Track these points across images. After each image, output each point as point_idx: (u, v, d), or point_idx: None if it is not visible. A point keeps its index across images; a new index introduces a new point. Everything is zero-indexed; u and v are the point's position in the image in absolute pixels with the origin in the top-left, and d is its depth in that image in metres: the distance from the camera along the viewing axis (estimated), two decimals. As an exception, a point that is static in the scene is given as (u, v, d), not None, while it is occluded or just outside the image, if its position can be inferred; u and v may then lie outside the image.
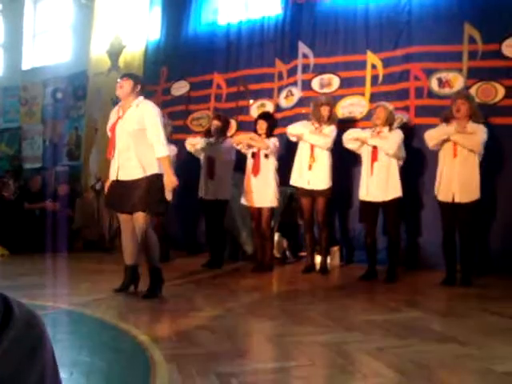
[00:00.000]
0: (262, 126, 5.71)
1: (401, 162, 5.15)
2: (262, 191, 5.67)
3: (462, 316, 3.56)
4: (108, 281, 4.73)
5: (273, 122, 5.84)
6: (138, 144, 4.15)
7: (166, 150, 4.17)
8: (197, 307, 3.90)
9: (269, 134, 5.71)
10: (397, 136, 5.08)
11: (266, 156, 5.65)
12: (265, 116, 5.89)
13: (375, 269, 5.16)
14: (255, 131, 5.77)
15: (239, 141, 5.86)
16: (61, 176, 9.19)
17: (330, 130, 5.46)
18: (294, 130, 5.61)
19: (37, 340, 0.63)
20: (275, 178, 5.70)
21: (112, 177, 4.27)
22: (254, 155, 5.72)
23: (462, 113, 4.76)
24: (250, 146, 5.74)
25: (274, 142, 5.67)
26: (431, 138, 4.91)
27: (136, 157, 4.13)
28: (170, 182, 4.18)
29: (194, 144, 6.13)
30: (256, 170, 5.69)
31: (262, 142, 5.63)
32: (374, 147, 5.11)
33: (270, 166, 5.68)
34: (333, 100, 5.83)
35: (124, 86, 4.22)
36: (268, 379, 2.33)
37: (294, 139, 5.66)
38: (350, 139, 5.26)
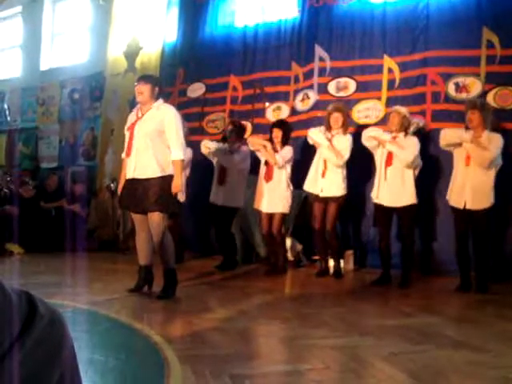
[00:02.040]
0: (278, 134, 5.70)
1: (416, 172, 5.11)
2: (273, 197, 5.67)
3: (478, 322, 3.52)
4: (122, 281, 4.76)
5: (288, 130, 5.82)
6: (156, 145, 4.19)
7: (181, 154, 4.22)
8: (210, 308, 3.91)
9: (284, 142, 5.70)
10: (413, 146, 5.02)
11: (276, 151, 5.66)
12: (280, 124, 5.87)
13: (389, 273, 5.13)
14: (271, 139, 5.76)
15: (253, 143, 5.85)
16: (76, 176, 9.26)
17: (346, 147, 5.40)
18: (315, 137, 5.57)
19: (60, 339, 0.64)
20: (288, 185, 5.69)
21: (128, 175, 4.29)
22: (266, 162, 5.72)
23: (474, 123, 4.72)
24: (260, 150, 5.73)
25: (284, 155, 5.62)
26: (445, 137, 4.88)
27: (153, 156, 4.18)
28: (176, 185, 4.17)
29: (209, 147, 6.13)
30: (268, 177, 5.69)
31: (273, 157, 5.61)
32: (390, 152, 5.08)
33: (282, 173, 5.68)
34: (344, 105, 5.79)
35: (144, 92, 4.25)
36: (281, 382, 2.33)
37: (311, 142, 5.64)
38: (370, 137, 5.21)
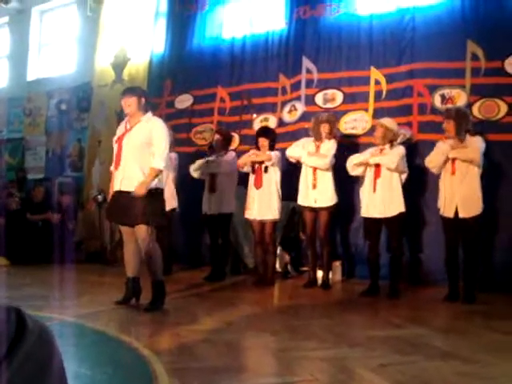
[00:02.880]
0: (264, 143, 5.72)
1: (404, 175, 5.15)
2: (264, 204, 5.68)
3: (466, 333, 3.53)
4: (109, 293, 4.72)
5: (274, 137, 5.86)
6: (143, 157, 4.19)
7: (162, 165, 4.18)
8: (198, 320, 3.89)
9: (270, 149, 5.72)
10: (398, 150, 5.10)
11: (266, 170, 5.66)
12: (265, 132, 5.89)
13: (378, 284, 5.14)
14: (257, 147, 5.78)
15: (244, 163, 5.84)
16: (63, 187, 9.20)
17: (328, 148, 5.45)
18: (292, 153, 5.62)
19: (49, 354, 0.63)
20: (278, 191, 5.71)
21: (115, 187, 4.27)
22: (254, 170, 5.74)
23: (451, 133, 4.79)
24: (253, 163, 5.74)
25: (276, 153, 5.70)
26: (431, 162, 4.93)
27: (140, 169, 4.17)
28: (138, 191, 4.10)
29: (196, 169, 6.16)
30: (259, 184, 5.71)
31: (265, 155, 5.65)
32: (377, 165, 5.12)
33: (272, 178, 5.69)
34: (334, 117, 5.81)
35: (131, 105, 4.26)
36: (270, 394, 2.32)
37: (293, 161, 5.67)
38: (353, 166, 5.27)
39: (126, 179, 4.21)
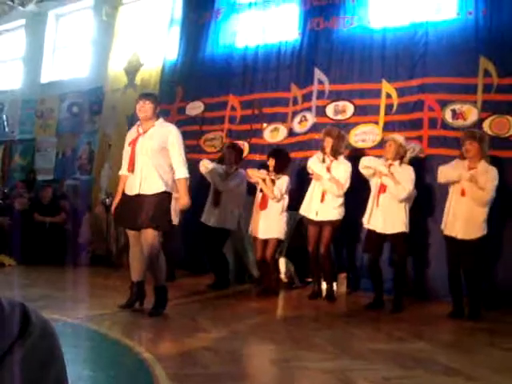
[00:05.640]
0: (271, 162, 5.75)
1: (410, 203, 5.13)
2: (268, 224, 5.67)
3: (469, 350, 3.51)
4: (113, 296, 4.72)
5: (282, 158, 5.82)
6: (158, 161, 4.25)
7: (186, 172, 4.31)
8: (201, 327, 3.88)
9: (279, 170, 5.72)
10: (409, 180, 5.03)
11: (273, 182, 5.67)
12: (274, 153, 5.90)
13: (382, 298, 5.12)
14: (267, 167, 5.80)
15: (252, 176, 5.85)
16: (72, 189, 9.25)
17: (346, 178, 5.39)
18: (314, 167, 5.54)
19: (51, 349, 0.64)
20: (283, 214, 5.72)
21: (132, 191, 4.29)
22: (262, 190, 5.74)
23: (471, 154, 4.77)
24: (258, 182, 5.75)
25: (281, 187, 5.64)
26: (443, 174, 4.92)
27: (157, 172, 4.24)
28: (184, 203, 4.26)
29: (207, 167, 6.12)
30: (263, 206, 5.71)
31: (271, 191, 5.63)
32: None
33: (278, 203, 5.70)
34: (337, 130, 5.69)
35: (148, 110, 4.30)
36: (271, 404, 2.31)
37: (310, 171, 5.61)
38: (366, 166, 5.24)
39: (143, 184, 4.25)
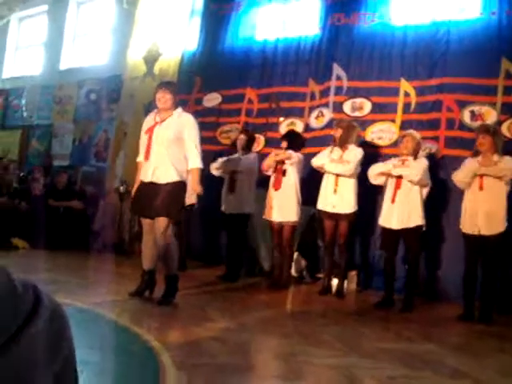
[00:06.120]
0: (284, 145, 5.80)
1: (427, 189, 5.11)
2: (283, 206, 5.69)
3: (478, 354, 3.48)
4: (124, 284, 4.76)
5: (296, 140, 5.87)
6: (173, 151, 4.28)
7: (200, 163, 4.33)
8: (210, 318, 3.90)
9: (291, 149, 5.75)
10: (422, 163, 5.06)
11: (284, 173, 5.68)
12: (286, 136, 5.97)
13: (392, 297, 5.10)
14: (280, 149, 5.83)
15: (268, 165, 5.87)
16: (87, 176, 9.31)
17: (353, 155, 5.42)
18: (316, 162, 5.61)
19: (61, 330, 0.66)
20: (297, 194, 5.71)
21: (146, 178, 4.32)
22: (275, 170, 5.76)
23: (485, 147, 4.73)
24: (277, 163, 5.76)
25: (298, 154, 5.72)
26: (459, 181, 4.88)
27: (171, 162, 4.26)
28: (195, 188, 4.29)
29: (217, 167, 6.21)
30: (277, 185, 5.73)
31: (285, 154, 5.68)
32: (398, 176, 5.09)
33: (291, 181, 5.70)
34: (347, 123, 5.73)
35: (167, 101, 4.31)
36: (276, 397, 2.31)
37: (319, 169, 5.64)
38: (375, 175, 5.26)
39: (157, 172, 4.27)
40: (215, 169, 6.27)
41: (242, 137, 6.24)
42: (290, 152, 5.67)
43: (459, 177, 4.86)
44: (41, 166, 9.34)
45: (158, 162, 4.27)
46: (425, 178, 5.05)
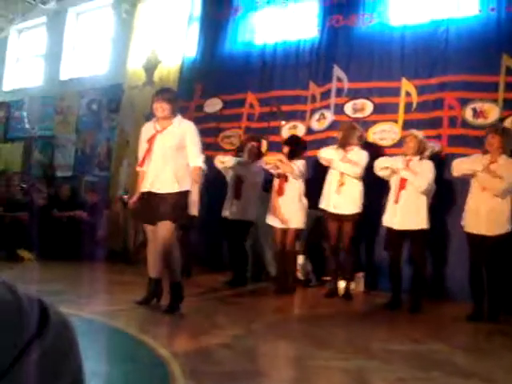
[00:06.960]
0: (284, 150, 5.78)
1: (429, 200, 5.09)
2: (287, 212, 5.66)
3: (488, 353, 3.46)
4: (130, 292, 4.74)
5: (296, 147, 5.82)
6: (175, 160, 4.24)
7: (200, 162, 4.31)
8: (217, 324, 3.88)
9: (290, 158, 5.71)
10: (428, 171, 5.02)
11: (287, 179, 5.67)
12: (288, 141, 5.95)
13: (399, 298, 5.07)
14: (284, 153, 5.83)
15: (269, 162, 5.89)
16: (90, 186, 9.32)
17: (361, 158, 5.42)
18: (324, 154, 5.61)
19: (69, 346, 0.64)
20: (300, 200, 5.69)
21: (145, 188, 4.30)
22: (279, 176, 5.75)
23: (493, 147, 4.71)
24: (277, 167, 5.76)
25: (298, 165, 5.67)
26: (456, 168, 4.87)
27: (172, 171, 4.22)
28: (195, 179, 4.29)
29: (224, 161, 6.17)
30: (280, 191, 5.70)
31: (288, 166, 5.64)
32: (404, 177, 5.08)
33: (295, 187, 5.68)
34: (349, 123, 5.79)
35: (165, 110, 4.27)
36: (286, 403, 2.30)
37: (324, 163, 5.64)
38: (382, 168, 5.23)
39: (156, 182, 4.24)
40: (220, 162, 6.21)
41: (253, 144, 6.22)
42: (292, 166, 5.64)
43: (459, 166, 4.83)
44: (43, 177, 9.35)
45: (159, 171, 4.25)
46: (430, 188, 5.03)
